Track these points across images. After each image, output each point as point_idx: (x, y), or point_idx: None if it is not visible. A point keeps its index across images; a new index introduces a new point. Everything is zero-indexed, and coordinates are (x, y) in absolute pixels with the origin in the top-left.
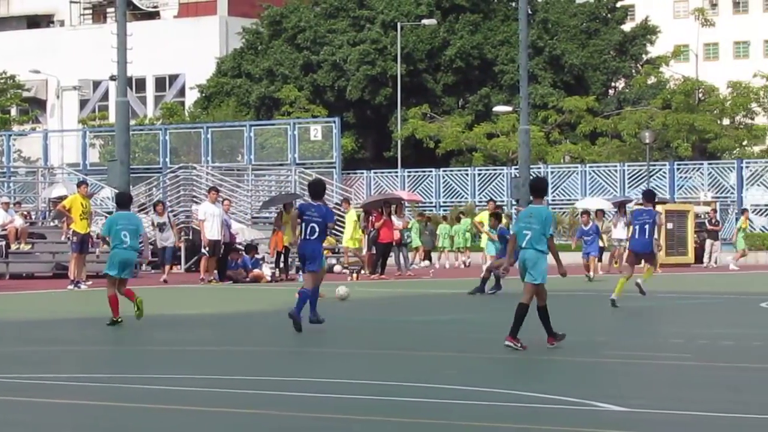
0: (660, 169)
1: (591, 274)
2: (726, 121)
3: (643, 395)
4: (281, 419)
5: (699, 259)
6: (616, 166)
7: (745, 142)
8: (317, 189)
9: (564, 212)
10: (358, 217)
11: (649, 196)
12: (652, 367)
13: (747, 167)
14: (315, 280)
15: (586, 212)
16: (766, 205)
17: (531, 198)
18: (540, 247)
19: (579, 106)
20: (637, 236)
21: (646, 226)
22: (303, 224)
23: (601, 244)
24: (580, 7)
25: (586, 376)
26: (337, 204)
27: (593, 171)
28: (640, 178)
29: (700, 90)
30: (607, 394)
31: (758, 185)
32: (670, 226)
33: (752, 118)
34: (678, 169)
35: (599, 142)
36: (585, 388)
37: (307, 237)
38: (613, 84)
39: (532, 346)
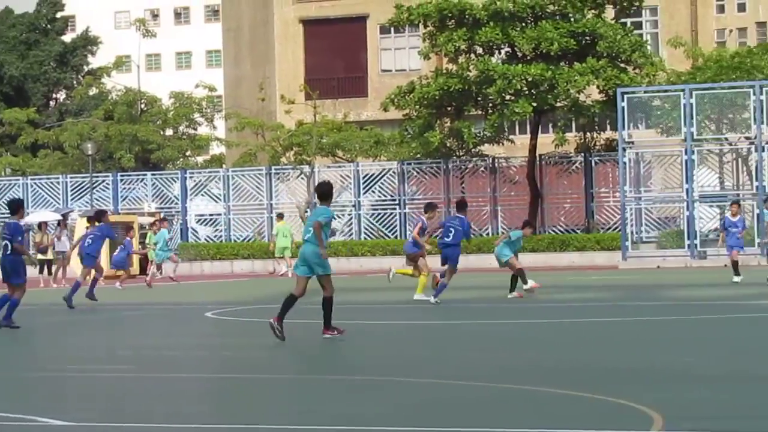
0: (103, 181)
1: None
2: (169, 132)
3: (86, 408)
4: None
5: (144, 270)
6: (58, 178)
7: (188, 153)
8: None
9: None
10: None
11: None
12: (95, 379)
13: (191, 177)
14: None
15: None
16: (210, 215)
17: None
18: (317, 240)
19: (19, 117)
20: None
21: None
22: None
23: (44, 256)
24: (19, 18)
25: (28, 390)
26: None
27: (35, 183)
28: (83, 189)
29: (142, 101)
30: (50, 409)
31: (202, 195)
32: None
33: (195, 129)
34: (121, 180)
35: (41, 154)
36: (27, 403)
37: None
38: (54, 95)
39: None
